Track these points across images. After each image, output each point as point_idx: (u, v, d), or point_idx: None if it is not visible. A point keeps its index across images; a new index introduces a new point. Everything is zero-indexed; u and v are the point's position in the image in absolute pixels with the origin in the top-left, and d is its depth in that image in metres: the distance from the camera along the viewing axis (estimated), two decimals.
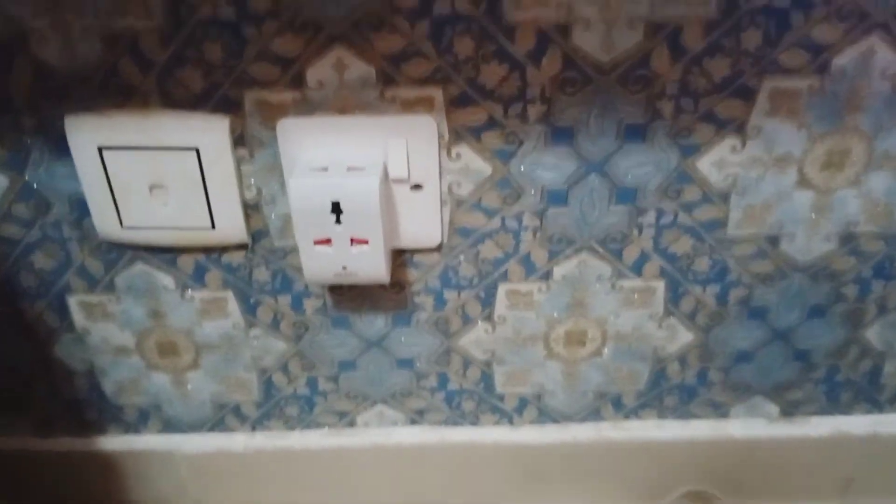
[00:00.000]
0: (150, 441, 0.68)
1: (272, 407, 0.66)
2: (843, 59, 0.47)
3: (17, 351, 0.62)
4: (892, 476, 0.70)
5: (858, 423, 0.67)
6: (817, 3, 0.45)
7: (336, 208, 0.49)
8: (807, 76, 0.48)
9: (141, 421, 0.67)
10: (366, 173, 0.49)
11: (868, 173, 0.52)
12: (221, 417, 0.67)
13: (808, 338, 0.61)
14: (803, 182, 0.52)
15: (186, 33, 0.46)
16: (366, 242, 0.50)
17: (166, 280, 0.58)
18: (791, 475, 0.69)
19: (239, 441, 0.67)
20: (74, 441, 0.68)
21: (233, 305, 0.59)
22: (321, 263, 0.51)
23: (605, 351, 0.61)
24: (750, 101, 0.49)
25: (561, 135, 0.50)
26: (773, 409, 0.66)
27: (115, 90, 0.48)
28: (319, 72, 0.47)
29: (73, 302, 0.59)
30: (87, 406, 0.66)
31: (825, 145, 0.51)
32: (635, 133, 0.50)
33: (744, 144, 0.51)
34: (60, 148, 0.51)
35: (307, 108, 0.49)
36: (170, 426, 0.68)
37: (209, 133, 0.50)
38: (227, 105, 0.49)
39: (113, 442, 0.68)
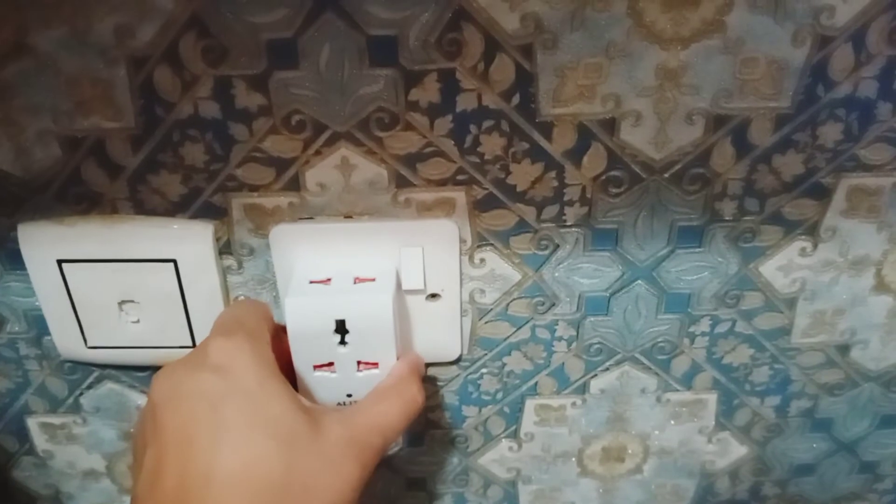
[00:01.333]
0: None
1: None
2: None
3: None
4: None
5: None
6: None
7: (341, 327, 0.41)
8: (892, 173, 0.41)
9: None
10: (376, 286, 0.41)
11: None
12: None
13: (876, 448, 0.54)
14: (881, 286, 0.45)
15: (162, 134, 0.38)
16: (375, 366, 0.42)
17: (140, 399, 0.50)
18: None
19: None
20: None
21: None
22: (321, 391, 0.43)
23: (646, 467, 0.54)
24: (825, 200, 0.42)
25: (603, 238, 0.43)
26: None
27: (76, 198, 0.41)
28: (321, 173, 0.40)
29: (32, 424, 0.51)
30: None
31: None
32: (690, 236, 0.43)
33: (815, 247, 0.44)
34: (13, 260, 0.43)
35: (306, 212, 0.41)
36: None
37: (189, 242, 0.42)
38: (211, 211, 0.41)
39: None
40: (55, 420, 0.51)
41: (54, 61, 0.37)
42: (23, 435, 0.52)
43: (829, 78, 0.38)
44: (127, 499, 0.55)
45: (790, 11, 0.36)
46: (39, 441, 0.52)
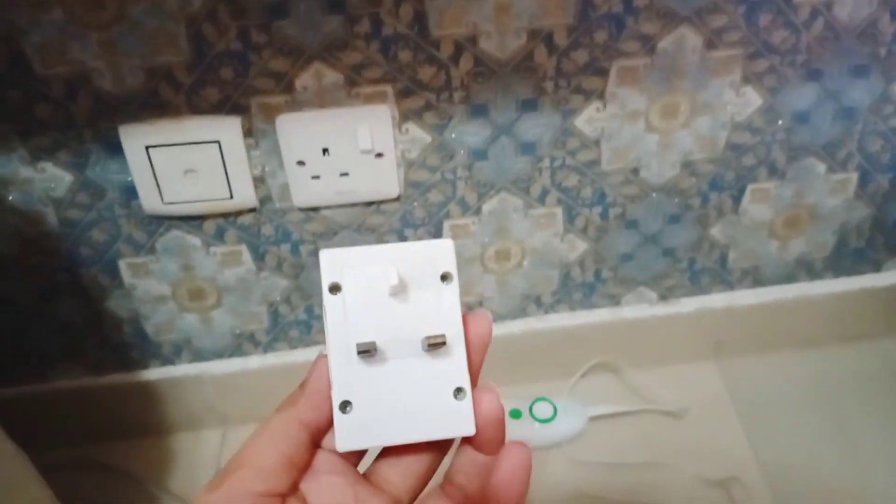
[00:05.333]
0: (182, 369, 0.87)
1: (279, 332, 0.86)
2: (665, 43, 0.69)
3: (76, 309, 0.80)
4: (749, 337, 0.95)
5: (716, 300, 0.91)
6: (641, 8, 0.66)
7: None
8: (641, 57, 0.69)
9: (175, 354, 0.86)
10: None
11: (694, 118, 0.74)
12: (239, 344, 0.87)
13: (670, 238, 0.84)
14: (650, 128, 0.74)
15: (206, 62, 0.65)
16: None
17: (195, 241, 0.77)
18: (672, 344, 0.93)
19: (254, 362, 0.87)
20: (123, 376, 0.87)
21: (246, 256, 0.79)
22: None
23: (525, 263, 0.84)
24: (605, 77, 0.70)
25: (478, 111, 0.71)
26: (653, 294, 0.90)
27: (155, 105, 0.67)
28: (304, 80, 0.67)
29: (122, 265, 0.78)
30: (132, 347, 0.85)
31: (661, 102, 0.73)
32: (529, 105, 0.71)
33: (605, 106, 0.72)
34: (114, 150, 0.69)
35: (296, 106, 0.68)
36: (198, 356, 0.87)
37: (226, 130, 0.69)
38: (238, 109, 0.68)
39: (153, 373, 0.87)
40: (138, 260, 0.77)
41: (142, 23, 0.62)
42: (115, 273, 0.78)
43: (594, 3, 0.66)
44: (185, 315, 0.83)
45: None
46: (126, 277, 0.79)
